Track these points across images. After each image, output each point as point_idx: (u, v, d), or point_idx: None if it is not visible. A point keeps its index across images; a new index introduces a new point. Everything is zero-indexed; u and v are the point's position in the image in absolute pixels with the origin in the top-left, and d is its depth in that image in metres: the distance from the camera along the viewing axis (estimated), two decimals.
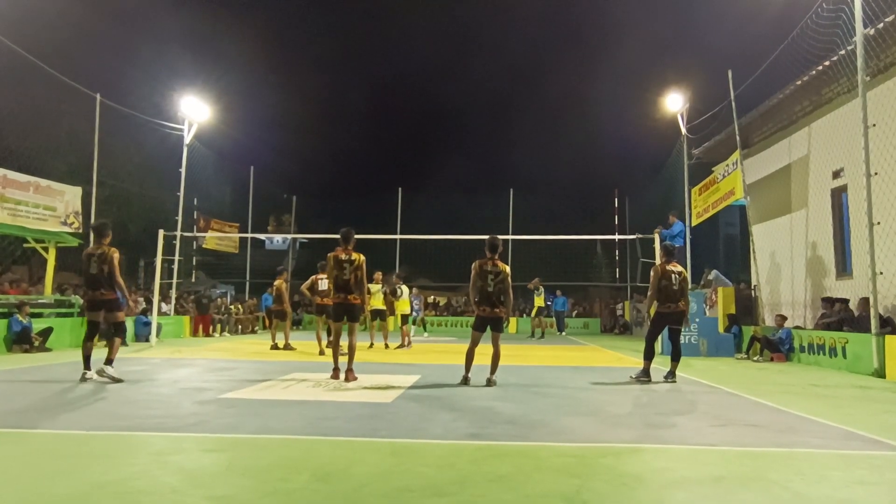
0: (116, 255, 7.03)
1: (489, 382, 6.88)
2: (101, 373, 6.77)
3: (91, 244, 7.20)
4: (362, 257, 7.17)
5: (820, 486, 3.14)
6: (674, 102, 15.83)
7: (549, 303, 20.54)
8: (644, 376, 7.47)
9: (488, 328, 7.06)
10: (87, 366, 6.91)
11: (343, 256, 7.08)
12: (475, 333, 7.11)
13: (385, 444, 3.93)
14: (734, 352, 11.69)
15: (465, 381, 6.96)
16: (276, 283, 13.01)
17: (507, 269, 7.04)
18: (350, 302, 7.10)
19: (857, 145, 8.96)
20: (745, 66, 13.04)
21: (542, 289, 19.03)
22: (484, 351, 7.08)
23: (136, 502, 2.76)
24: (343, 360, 7.17)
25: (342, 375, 7.04)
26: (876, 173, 8.76)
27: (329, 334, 11.55)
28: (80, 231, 13.86)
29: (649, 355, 7.62)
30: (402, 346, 12.75)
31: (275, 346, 12.09)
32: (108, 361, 6.87)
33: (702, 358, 11.36)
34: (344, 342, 7.27)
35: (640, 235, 14.64)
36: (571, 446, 3.95)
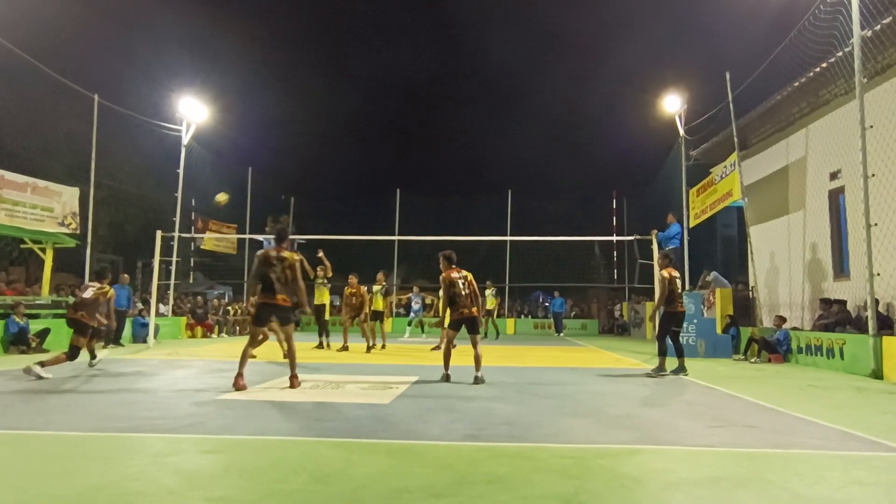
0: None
1: (476, 380, 7.08)
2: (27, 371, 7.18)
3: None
4: (296, 256, 6.69)
5: (818, 486, 3.15)
6: (672, 104, 15.90)
7: (546, 305, 20.51)
8: (661, 370, 8.23)
9: (463, 329, 7.50)
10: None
11: (273, 254, 6.55)
12: (451, 332, 7.55)
13: (383, 446, 3.93)
14: (732, 353, 11.70)
15: (447, 378, 7.35)
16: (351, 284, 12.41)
17: (470, 274, 7.59)
18: (277, 303, 6.50)
19: (855, 147, 8.97)
20: (743, 68, 13.09)
21: (493, 289, 18.80)
22: (462, 351, 7.35)
23: (135, 503, 2.75)
24: (285, 362, 6.64)
25: (248, 382, 6.36)
26: (873, 175, 8.78)
27: (366, 336, 11.63)
28: (78, 232, 13.84)
29: (663, 352, 8.39)
30: (437, 347, 12.79)
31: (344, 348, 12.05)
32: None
33: (700, 359, 11.36)
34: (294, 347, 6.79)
35: (638, 237, 14.66)
36: (569, 447, 3.95)
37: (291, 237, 27.05)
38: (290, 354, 6.76)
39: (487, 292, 18.37)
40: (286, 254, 6.61)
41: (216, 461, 3.52)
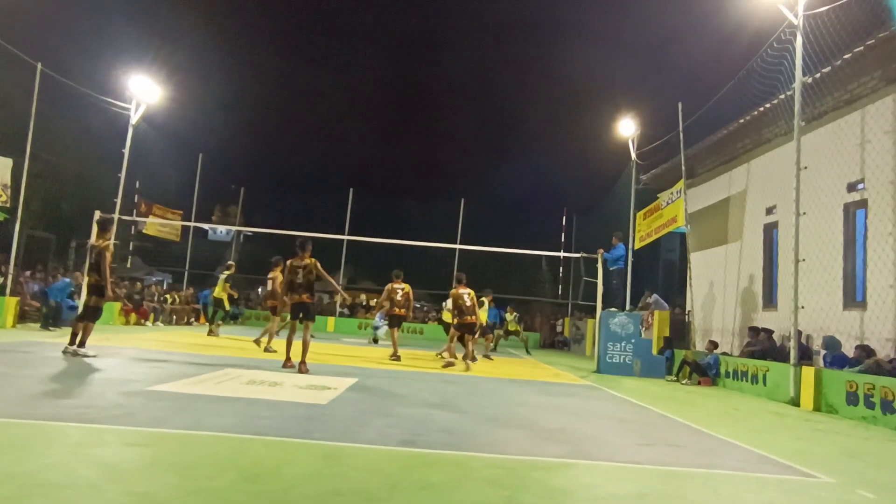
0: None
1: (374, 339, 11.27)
2: (74, 353, 7.77)
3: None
4: (107, 244, 8.25)
5: None
6: (626, 128, 16.40)
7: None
8: None
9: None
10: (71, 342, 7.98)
11: (94, 242, 8.47)
12: (395, 330, 11.42)
13: (317, 447, 3.89)
14: (665, 374, 12.11)
15: (375, 340, 11.60)
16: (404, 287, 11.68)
17: (407, 286, 11.26)
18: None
19: (790, 185, 9.48)
20: (694, 101, 13.66)
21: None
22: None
23: (49, 495, 2.62)
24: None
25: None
26: (804, 213, 9.30)
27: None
28: (8, 205, 13.09)
29: None
30: (486, 355, 13.50)
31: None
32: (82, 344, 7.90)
33: (635, 378, 11.72)
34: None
35: (585, 254, 15.01)
36: (503, 458, 4.00)
37: (239, 229, 26.42)
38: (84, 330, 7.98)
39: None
40: (100, 241, 8.34)
41: (142, 455, 3.40)
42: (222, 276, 14.74)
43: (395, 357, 10.92)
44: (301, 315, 8.26)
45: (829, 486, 3.91)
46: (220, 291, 14.51)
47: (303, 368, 7.83)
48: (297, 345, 8.11)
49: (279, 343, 10.16)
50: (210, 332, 14.10)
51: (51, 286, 13.41)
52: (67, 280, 13.62)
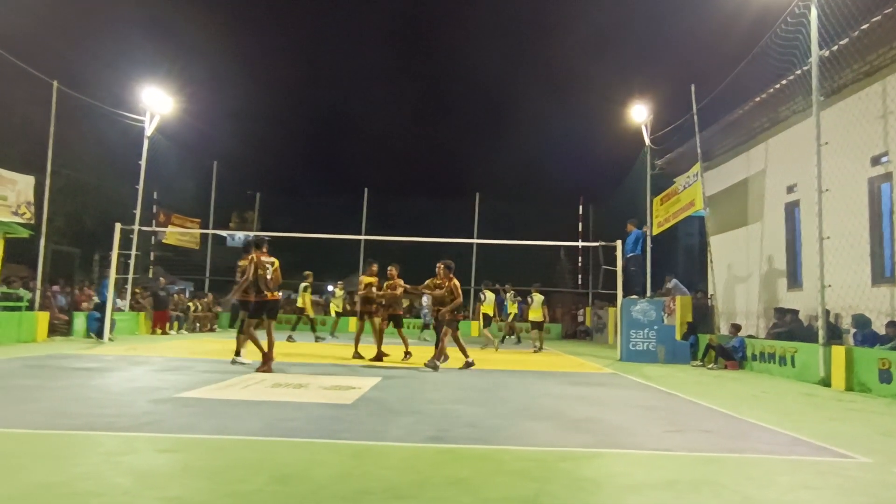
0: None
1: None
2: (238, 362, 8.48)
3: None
4: (245, 263, 8.30)
5: (768, 490, 3.25)
6: (639, 114, 16.22)
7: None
8: None
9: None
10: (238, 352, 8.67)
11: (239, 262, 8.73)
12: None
13: (345, 446, 3.90)
14: (690, 359, 11.98)
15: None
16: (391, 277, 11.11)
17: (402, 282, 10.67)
18: None
19: (811, 162, 9.30)
20: (708, 82, 13.43)
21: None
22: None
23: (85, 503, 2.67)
24: None
25: None
26: (827, 190, 9.12)
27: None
28: (32, 222, 13.34)
29: None
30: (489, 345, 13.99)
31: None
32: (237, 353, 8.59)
33: (659, 365, 11.61)
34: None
35: (603, 243, 14.89)
36: (531, 450, 3.99)
37: (257, 234, 26.77)
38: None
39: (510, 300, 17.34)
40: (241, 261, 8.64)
41: (173, 461, 3.44)
42: (302, 286, 15.46)
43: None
44: (265, 314, 8.27)
45: (866, 466, 3.84)
46: (301, 301, 15.41)
47: (266, 368, 7.79)
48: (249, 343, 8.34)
49: (374, 348, 10.57)
50: (316, 339, 15.19)
51: (101, 294, 13.71)
52: (107, 279, 13.91)
